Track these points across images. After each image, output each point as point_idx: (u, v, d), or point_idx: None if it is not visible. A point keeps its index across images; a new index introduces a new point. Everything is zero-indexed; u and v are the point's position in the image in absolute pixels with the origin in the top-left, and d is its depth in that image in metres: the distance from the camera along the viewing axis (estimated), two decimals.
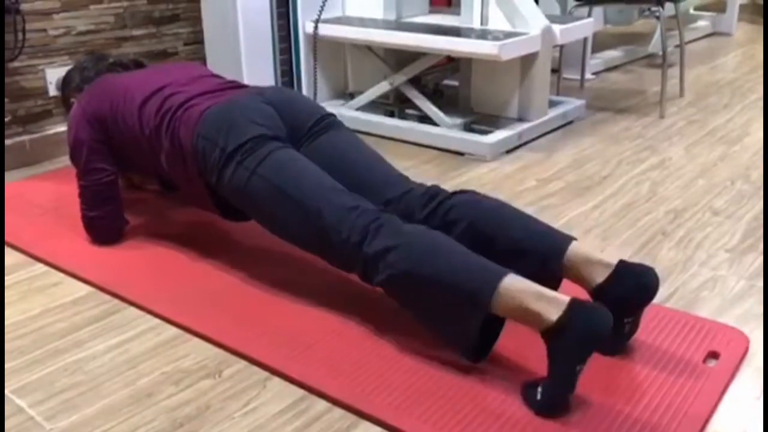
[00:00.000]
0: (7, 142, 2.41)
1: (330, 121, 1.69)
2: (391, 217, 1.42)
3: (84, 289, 1.66)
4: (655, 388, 1.26)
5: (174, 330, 1.50)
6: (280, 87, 1.74)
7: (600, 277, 1.33)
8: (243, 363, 1.38)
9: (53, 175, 2.34)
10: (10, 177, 2.35)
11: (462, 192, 1.54)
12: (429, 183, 1.60)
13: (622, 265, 1.34)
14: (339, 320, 1.49)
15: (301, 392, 1.30)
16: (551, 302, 1.19)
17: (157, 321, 1.53)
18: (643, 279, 1.32)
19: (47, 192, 2.20)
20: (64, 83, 2.10)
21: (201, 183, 1.63)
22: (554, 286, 1.36)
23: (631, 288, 1.31)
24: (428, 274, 1.30)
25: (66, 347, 1.45)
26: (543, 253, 1.39)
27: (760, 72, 3.56)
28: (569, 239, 1.39)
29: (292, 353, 1.38)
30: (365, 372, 1.32)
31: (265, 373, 1.35)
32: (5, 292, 1.66)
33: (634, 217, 1.98)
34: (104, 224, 1.85)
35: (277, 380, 1.33)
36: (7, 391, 1.31)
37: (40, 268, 1.77)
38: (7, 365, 1.39)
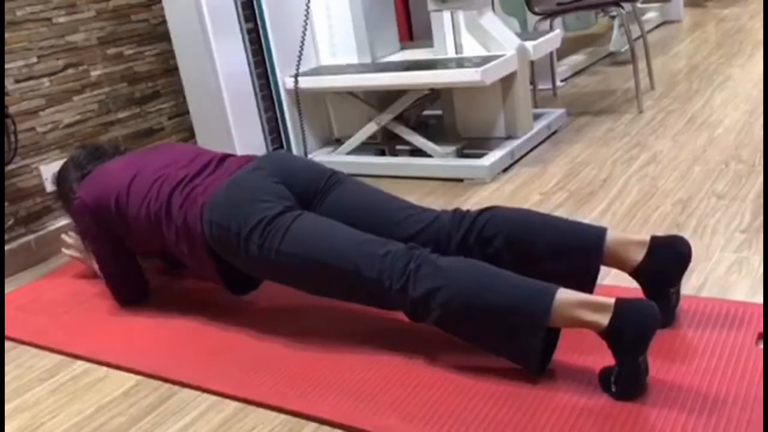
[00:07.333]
0: (13, 244, 2.40)
1: (338, 177, 1.74)
2: (422, 253, 1.45)
3: (132, 378, 1.66)
4: (718, 379, 1.30)
5: (234, 404, 1.50)
6: (277, 154, 1.79)
7: (638, 256, 1.44)
8: (314, 424, 1.39)
9: (65, 270, 2.33)
10: (23, 279, 2.34)
11: (487, 209, 1.60)
12: None
13: (655, 241, 1.45)
14: (394, 363, 1.51)
15: None
16: (600, 308, 1.28)
17: (214, 398, 1.53)
18: (676, 249, 1.44)
19: (65, 288, 2.19)
20: (61, 179, 2.12)
21: (210, 260, 1.68)
22: (595, 275, 1.47)
23: (668, 261, 1.44)
24: (481, 305, 1.36)
25: None
26: (584, 248, 1.48)
27: (719, 54, 3.69)
28: (603, 229, 1.49)
29: (359, 404, 1.40)
30: (431, 413, 1.34)
31: (338, 431, 1.36)
32: (53, 396, 1.66)
33: (645, 214, 2.04)
34: (130, 282, 1.97)
35: None
36: None
37: (81, 365, 1.76)
38: None
